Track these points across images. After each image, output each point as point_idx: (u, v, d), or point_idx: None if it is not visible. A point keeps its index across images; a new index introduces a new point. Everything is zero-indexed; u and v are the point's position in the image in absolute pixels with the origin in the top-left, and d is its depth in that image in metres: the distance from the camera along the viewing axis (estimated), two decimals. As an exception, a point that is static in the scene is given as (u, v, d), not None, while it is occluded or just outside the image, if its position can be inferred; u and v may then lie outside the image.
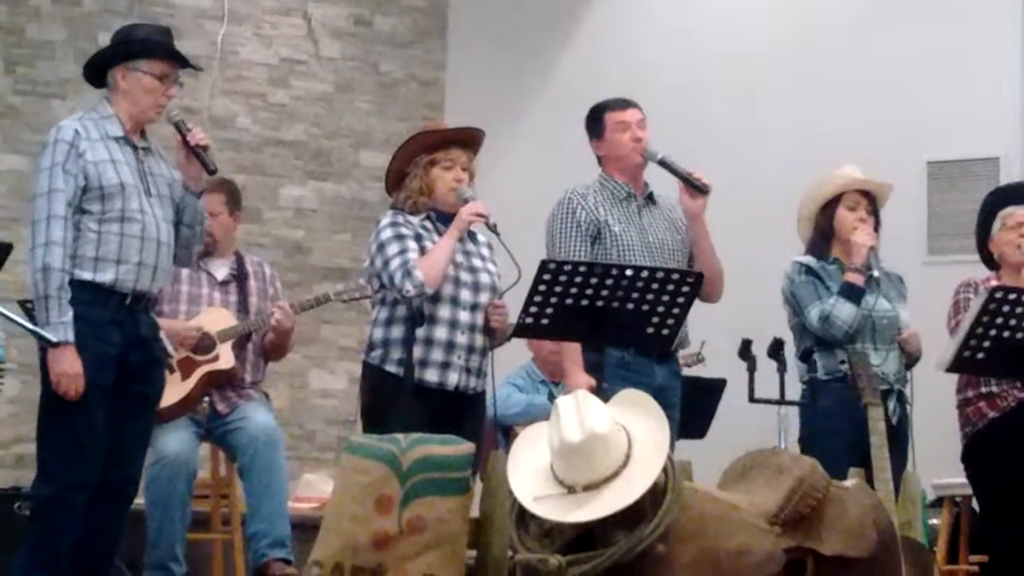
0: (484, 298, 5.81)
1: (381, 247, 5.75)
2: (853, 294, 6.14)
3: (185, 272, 6.79)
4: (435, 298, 5.69)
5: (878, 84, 9.10)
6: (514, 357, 7.94)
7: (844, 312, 6.12)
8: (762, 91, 9.34)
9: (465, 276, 5.79)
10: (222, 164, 9.30)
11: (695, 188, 5.92)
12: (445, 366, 5.71)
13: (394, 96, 10.18)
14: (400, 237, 5.74)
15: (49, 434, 5.28)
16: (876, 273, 6.20)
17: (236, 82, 9.83)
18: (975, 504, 6.85)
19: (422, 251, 5.72)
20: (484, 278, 5.84)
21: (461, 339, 5.73)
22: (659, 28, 9.75)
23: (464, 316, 5.75)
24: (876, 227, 6.35)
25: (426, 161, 5.86)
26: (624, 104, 6.16)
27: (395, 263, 5.68)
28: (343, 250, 9.83)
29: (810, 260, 6.33)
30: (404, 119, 10.00)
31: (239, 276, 6.94)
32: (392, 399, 5.68)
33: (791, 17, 9.46)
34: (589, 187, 6.12)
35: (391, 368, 5.74)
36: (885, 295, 6.29)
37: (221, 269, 6.92)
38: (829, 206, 6.35)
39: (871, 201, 6.35)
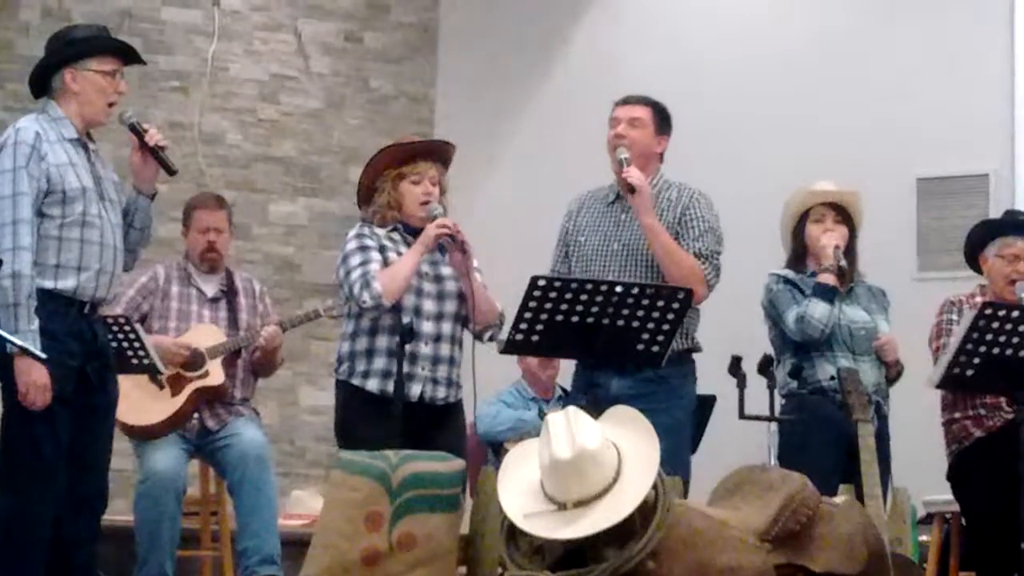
0: (450, 307, 5.76)
1: (345, 259, 5.73)
2: (826, 293, 6.20)
3: (175, 288, 6.78)
4: (396, 309, 5.66)
5: (868, 100, 9.11)
6: (504, 374, 7.94)
7: (818, 311, 6.16)
8: (752, 106, 9.35)
9: (429, 287, 5.74)
10: (212, 180, 9.39)
11: (628, 187, 5.89)
12: (409, 377, 5.66)
13: (384, 112, 10.18)
14: (363, 248, 5.71)
15: (12, 447, 5.16)
16: (843, 264, 6.24)
17: (226, 98, 9.83)
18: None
19: (386, 262, 5.68)
20: (450, 286, 5.77)
21: (425, 350, 5.66)
22: (649, 42, 9.76)
23: (427, 327, 5.67)
24: (852, 236, 6.39)
25: (394, 175, 5.83)
26: (624, 100, 6.09)
27: (355, 274, 5.65)
28: (333, 266, 9.80)
29: (787, 272, 6.40)
30: (394, 135, 9.91)
31: (229, 292, 6.93)
32: (358, 413, 5.69)
33: (781, 33, 9.48)
34: (597, 191, 6.10)
35: (356, 381, 5.70)
36: (865, 307, 6.35)
37: (211, 285, 6.91)
38: (799, 224, 6.43)
39: (840, 212, 6.40)
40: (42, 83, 5.40)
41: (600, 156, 6.26)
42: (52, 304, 5.15)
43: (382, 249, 5.73)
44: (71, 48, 5.35)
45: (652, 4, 10.03)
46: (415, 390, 5.63)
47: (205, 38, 9.79)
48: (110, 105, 5.35)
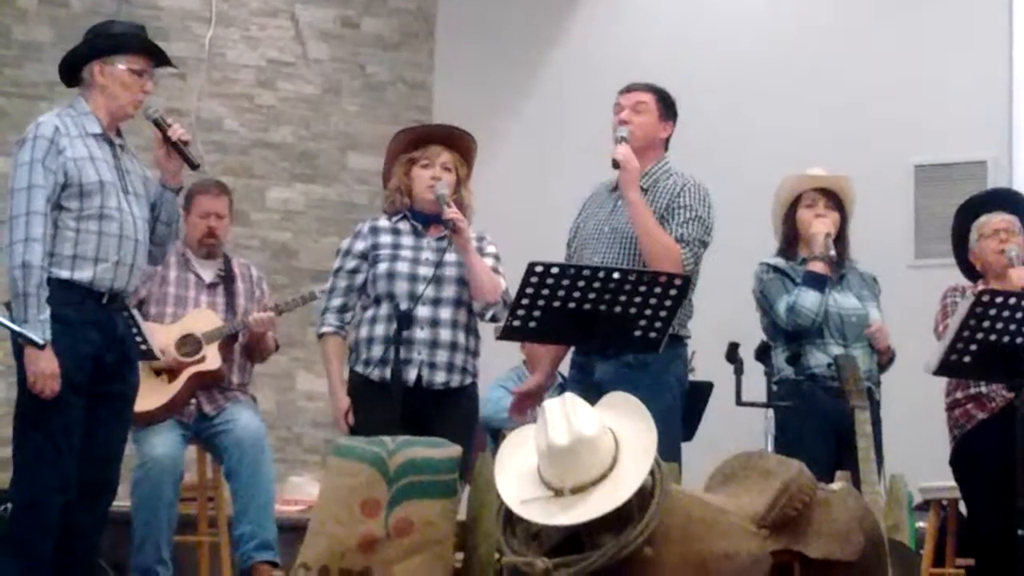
0: (448, 292, 5.79)
1: (332, 269, 5.99)
2: (816, 282, 6.20)
3: (172, 274, 6.78)
4: (391, 296, 5.74)
5: (866, 87, 9.11)
6: (506, 359, 7.94)
7: (808, 300, 6.17)
8: (750, 94, 9.35)
9: (427, 271, 5.78)
10: (209, 166, 9.37)
11: (613, 162, 5.84)
12: (405, 362, 5.68)
13: (381, 98, 10.17)
14: (339, 269, 5.94)
15: (25, 436, 5.23)
16: (832, 253, 6.24)
17: (223, 84, 9.82)
18: (962, 507, 6.85)
19: (376, 259, 5.80)
20: (451, 272, 5.80)
21: (421, 334, 5.71)
22: (648, 29, 9.75)
23: (423, 311, 5.72)
24: (843, 223, 6.39)
25: (406, 160, 5.90)
26: (627, 88, 6.08)
27: (324, 302, 6.00)
28: (330, 252, 9.69)
29: (778, 261, 6.40)
30: (391, 121, 9.98)
31: (227, 278, 6.93)
32: (361, 399, 5.77)
33: (779, 20, 9.47)
34: (607, 180, 6.09)
35: (359, 369, 5.80)
36: (856, 294, 6.36)
37: (209, 271, 6.91)
38: (791, 209, 6.43)
39: (832, 198, 6.40)
40: (73, 72, 5.45)
41: (599, 143, 6.26)
42: (70, 294, 5.23)
43: (375, 247, 5.85)
44: (102, 42, 5.43)
45: (650, -9, 10.04)
46: (411, 374, 5.69)
47: (202, 24, 9.77)
48: (137, 102, 5.41)
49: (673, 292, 5.29)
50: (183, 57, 9.65)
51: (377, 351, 5.73)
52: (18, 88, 9.25)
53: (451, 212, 5.73)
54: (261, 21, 9.95)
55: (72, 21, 9.42)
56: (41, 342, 5.04)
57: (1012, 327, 5.63)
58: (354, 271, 5.89)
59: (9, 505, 6.90)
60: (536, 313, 5.25)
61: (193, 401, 6.68)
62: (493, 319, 5.82)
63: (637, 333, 5.35)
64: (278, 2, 10.00)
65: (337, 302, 5.93)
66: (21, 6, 9.40)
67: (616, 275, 5.25)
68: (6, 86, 9.27)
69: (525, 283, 5.21)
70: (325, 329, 5.94)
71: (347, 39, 10.14)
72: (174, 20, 9.66)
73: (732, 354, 5.88)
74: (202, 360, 6.67)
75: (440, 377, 5.75)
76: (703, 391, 7.73)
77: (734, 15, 9.62)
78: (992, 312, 5.61)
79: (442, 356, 5.75)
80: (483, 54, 10.14)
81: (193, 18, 9.76)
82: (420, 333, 5.70)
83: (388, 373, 5.65)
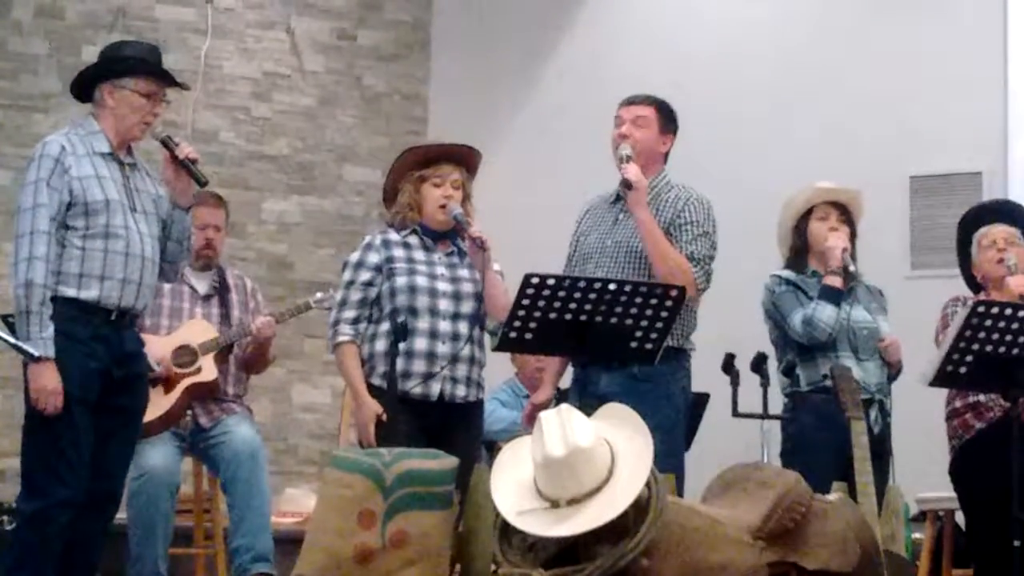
0: (466, 308, 5.81)
1: (342, 275, 5.93)
2: (833, 296, 6.20)
3: (167, 286, 6.78)
4: (413, 311, 5.73)
5: (862, 98, 9.11)
6: (498, 371, 7.94)
7: (825, 314, 6.16)
8: (746, 105, 9.35)
9: (445, 286, 5.81)
10: (205, 178, 9.36)
11: (625, 183, 5.81)
12: (427, 377, 5.70)
13: (377, 110, 10.18)
14: (352, 282, 5.88)
15: (34, 449, 5.25)
16: (853, 268, 6.24)
17: (219, 96, 9.82)
18: (958, 518, 6.85)
19: (392, 273, 5.78)
20: (467, 287, 5.84)
21: (442, 349, 5.74)
22: (642, 41, 9.77)
23: (444, 326, 5.75)
24: (852, 236, 6.40)
25: (416, 177, 5.91)
26: (628, 100, 6.07)
27: (334, 313, 5.91)
28: (326, 264, 9.82)
29: (789, 274, 6.39)
30: (387, 133, 10.01)
31: (221, 289, 6.93)
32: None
33: (775, 31, 9.48)
34: (605, 193, 6.08)
35: (376, 382, 5.79)
36: (866, 307, 6.35)
37: (203, 283, 6.91)
38: (802, 221, 6.41)
39: (843, 211, 6.40)
40: (85, 90, 5.49)
41: (594, 154, 6.26)
42: (77, 311, 5.26)
43: (390, 260, 5.84)
44: (112, 64, 5.47)
45: (646, 3, 10.03)
46: (434, 389, 5.72)
47: (198, 36, 9.78)
48: (145, 124, 5.44)
49: (669, 303, 5.29)
50: (179, 69, 9.65)
51: (397, 365, 5.72)
52: (13, 100, 9.25)
53: (477, 230, 5.76)
54: (257, 33, 9.96)
55: (68, 34, 9.44)
56: (36, 353, 5.06)
57: (1008, 338, 5.62)
58: (369, 283, 5.86)
59: (6, 518, 6.95)
60: (532, 325, 5.25)
61: (189, 413, 6.68)
62: None
63: (633, 344, 5.35)
64: (274, 14, 10.01)
65: (351, 314, 5.87)
66: (17, 18, 9.41)
67: (612, 286, 5.25)
68: (2, 99, 9.27)
69: (521, 295, 5.20)
70: (341, 338, 5.87)
71: (343, 51, 10.16)
72: (170, 32, 9.66)
73: (728, 365, 5.87)
74: (198, 371, 6.67)
75: (461, 391, 5.79)
76: (699, 402, 7.73)
77: (731, 28, 9.62)
78: (988, 323, 5.60)
79: (462, 371, 5.79)
80: (478, 66, 10.15)
81: (189, 30, 9.77)
82: (442, 347, 5.73)
83: (407, 386, 5.67)
